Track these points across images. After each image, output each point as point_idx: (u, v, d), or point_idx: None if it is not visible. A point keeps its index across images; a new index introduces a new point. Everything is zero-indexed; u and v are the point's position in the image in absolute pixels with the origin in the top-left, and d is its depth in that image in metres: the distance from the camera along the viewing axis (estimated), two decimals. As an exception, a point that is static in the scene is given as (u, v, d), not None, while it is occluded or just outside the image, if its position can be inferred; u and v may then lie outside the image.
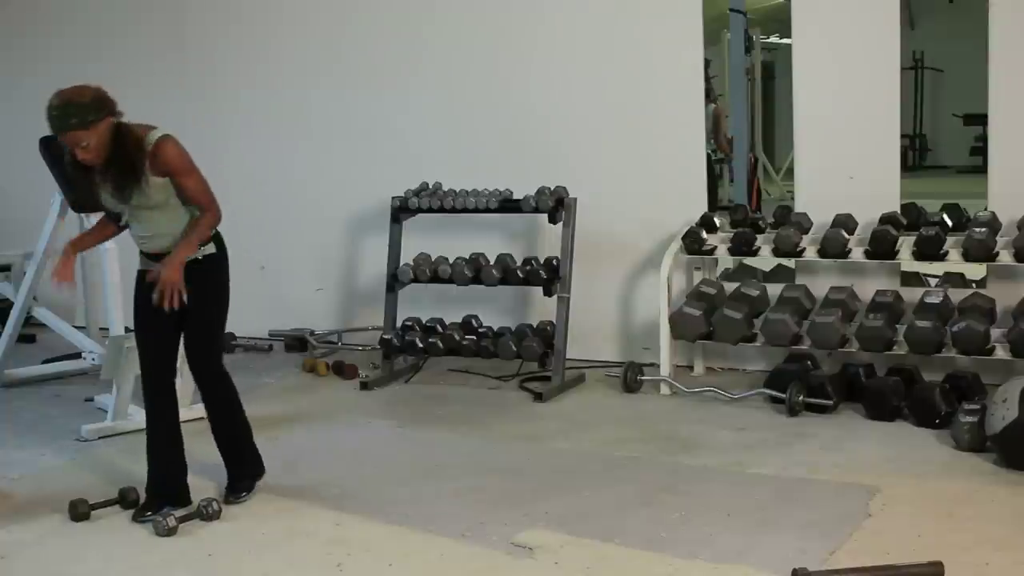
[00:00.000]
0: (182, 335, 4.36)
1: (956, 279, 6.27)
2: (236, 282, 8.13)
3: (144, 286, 4.28)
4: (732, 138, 10.25)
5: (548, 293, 6.24)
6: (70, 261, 4.38)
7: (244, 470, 4.54)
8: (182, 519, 4.21)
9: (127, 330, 5.79)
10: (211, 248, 4.34)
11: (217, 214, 4.31)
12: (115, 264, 5.91)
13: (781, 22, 7.85)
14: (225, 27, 7.74)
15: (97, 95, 4.09)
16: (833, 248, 5.80)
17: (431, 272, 6.42)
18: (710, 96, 8.26)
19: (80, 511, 4.32)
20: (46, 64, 8.31)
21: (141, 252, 4.36)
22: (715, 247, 6.18)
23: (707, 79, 6.76)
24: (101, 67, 8.10)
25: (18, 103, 8.46)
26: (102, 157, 4.06)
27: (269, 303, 7.60)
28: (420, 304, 6.73)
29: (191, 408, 5.71)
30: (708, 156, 6.87)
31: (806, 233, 6.02)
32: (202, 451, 4.61)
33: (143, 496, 4.39)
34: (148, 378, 4.39)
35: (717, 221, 6.30)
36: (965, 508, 4.17)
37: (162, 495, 4.37)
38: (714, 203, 6.89)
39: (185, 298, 4.18)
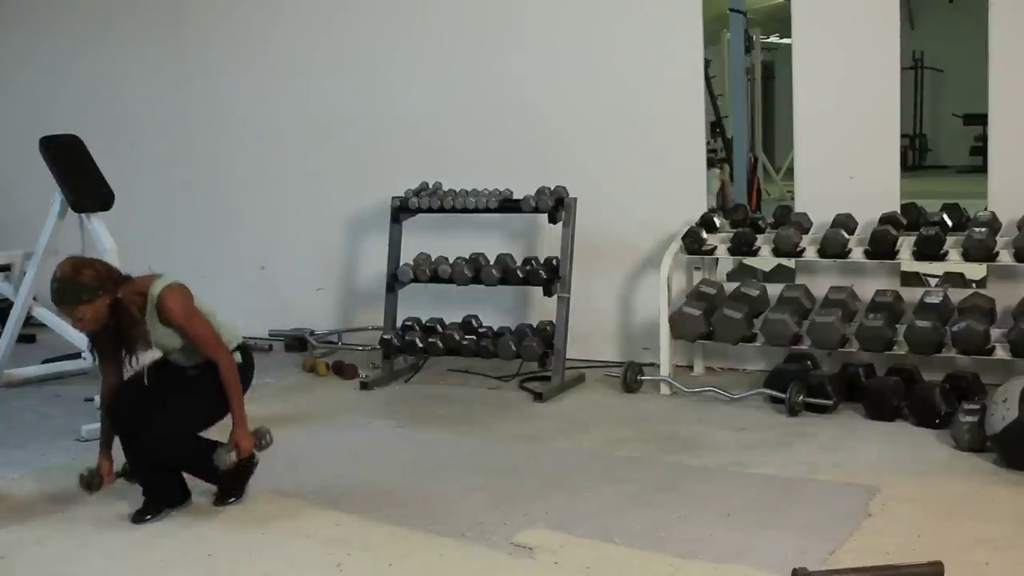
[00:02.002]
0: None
1: (956, 279, 6.27)
2: (236, 282, 8.16)
3: (149, 374, 4.38)
4: (732, 138, 10.24)
5: (548, 293, 6.24)
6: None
7: (224, 486, 4.51)
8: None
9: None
10: (238, 357, 4.40)
11: (228, 356, 4.32)
12: (115, 264, 5.88)
13: (781, 22, 7.84)
14: (224, 27, 7.74)
15: (96, 276, 4.16)
16: (833, 248, 5.80)
17: (431, 272, 6.42)
18: (713, 163, 8.23)
19: (92, 482, 4.36)
20: (46, 64, 8.32)
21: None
22: (715, 247, 6.18)
23: (707, 79, 6.75)
24: (100, 66, 8.14)
25: (18, 103, 8.48)
26: (99, 327, 4.18)
27: (269, 303, 7.61)
28: (420, 304, 6.73)
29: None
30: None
31: (806, 233, 6.02)
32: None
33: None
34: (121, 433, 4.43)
35: (717, 221, 6.30)
36: (965, 508, 4.17)
37: (162, 498, 4.38)
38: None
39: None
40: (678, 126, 6.46)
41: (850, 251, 5.83)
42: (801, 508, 4.23)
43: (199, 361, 4.33)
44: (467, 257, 6.40)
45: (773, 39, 11.83)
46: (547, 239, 6.60)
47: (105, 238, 5.95)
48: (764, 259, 6.20)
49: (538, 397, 5.99)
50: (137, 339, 4.22)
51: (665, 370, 6.03)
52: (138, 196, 7.38)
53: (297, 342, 7.31)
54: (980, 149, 6.40)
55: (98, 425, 5.47)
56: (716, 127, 10.19)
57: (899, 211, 5.94)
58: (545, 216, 6.31)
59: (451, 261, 6.40)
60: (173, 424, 4.27)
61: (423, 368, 6.63)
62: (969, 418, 4.82)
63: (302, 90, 7.48)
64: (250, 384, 4.50)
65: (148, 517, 4.30)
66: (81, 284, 4.10)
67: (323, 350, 7.18)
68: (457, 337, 6.32)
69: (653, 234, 6.49)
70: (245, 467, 4.43)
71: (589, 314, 6.54)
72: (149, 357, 4.38)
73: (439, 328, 6.45)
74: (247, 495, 4.50)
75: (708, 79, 7.77)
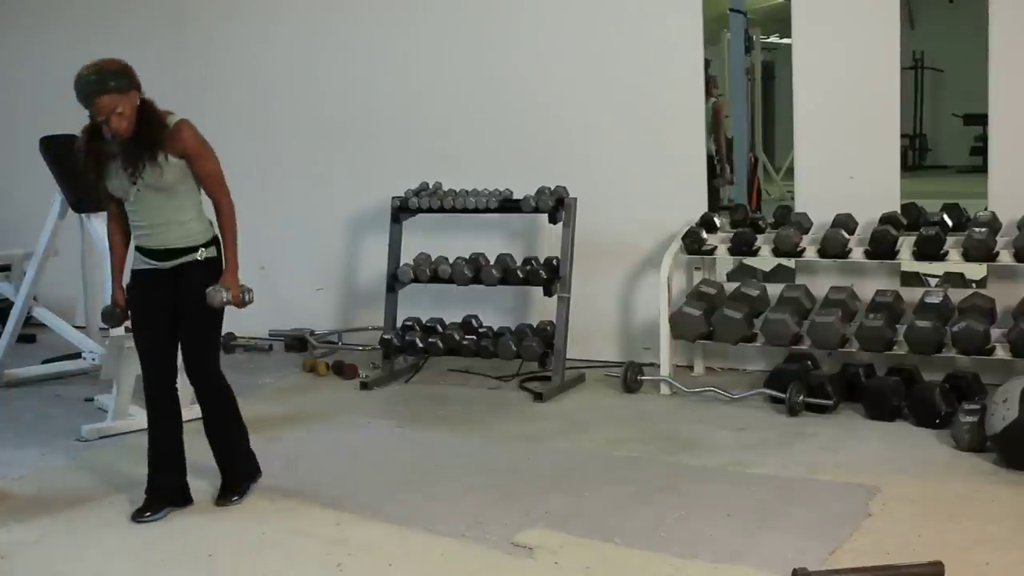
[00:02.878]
0: (181, 337, 4.35)
1: (956, 279, 6.27)
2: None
3: (142, 287, 4.31)
4: (732, 138, 10.23)
5: (548, 293, 6.24)
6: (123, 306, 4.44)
7: (237, 474, 4.53)
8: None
9: (127, 330, 5.80)
10: (212, 251, 4.33)
11: (231, 203, 4.34)
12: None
13: (781, 22, 7.82)
14: (224, 27, 7.74)
15: (127, 66, 4.15)
16: (833, 248, 5.80)
17: (431, 272, 6.42)
18: (709, 91, 8.22)
19: (114, 314, 4.46)
20: (46, 64, 8.31)
21: (138, 249, 4.33)
22: (715, 247, 6.18)
23: (707, 79, 6.75)
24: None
25: (18, 103, 8.47)
26: (131, 128, 4.08)
27: (269, 303, 7.58)
28: (420, 304, 6.73)
29: (191, 408, 5.72)
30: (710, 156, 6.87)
31: (806, 233, 6.02)
32: (202, 451, 4.60)
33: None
34: (149, 380, 4.38)
35: (717, 221, 6.30)
36: (965, 508, 4.17)
37: (163, 497, 4.37)
38: (715, 203, 6.85)
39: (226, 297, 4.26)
40: (678, 126, 6.46)
41: (850, 251, 5.83)
42: (801, 508, 4.23)
43: (166, 217, 4.21)
44: (467, 257, 6.40)
45: (773, 39, 11.82)
46: (547, 239, 6.60)
47: (105, 238, 5.94)
48: (764, 259, 6.20)
49: (538, 397, 5.99)
50: (156, 145, 4.11)
51: (665, 370, 6.03)
52: (138, 196, 7.36)
53: (297, 342, 7.31)
54: (980, 149, 6.39)
55: (98, 425, 5.51)
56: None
57: (899, 211, 5.94)
58: (545, 216, 6.31)
59: (451, 261, 6.40)
60: (203, 352, 4.36)
61: (423, 368, 6.63)
62: (969, 418, 4.82)
63: (302, 90, 7.48)
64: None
65: (148, 515, 4.30)
66: (117, 71, 4.08)
67: (323, 350, 7.18)
68: (457, 337, 6.32)
69: (653, 234, 6.49)
70: (233, 404, 4.49)
71: (589, 314, 6.54)
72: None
73: (439, 328, 6.45)
74: (248, 494, 4.50)
75: (708, 79, 7.76)
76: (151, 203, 4.21)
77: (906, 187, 6.10)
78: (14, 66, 8.49)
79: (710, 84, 7.83)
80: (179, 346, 4.37)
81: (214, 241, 4.35)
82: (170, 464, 4.41)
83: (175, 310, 4.29)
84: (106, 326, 4.67)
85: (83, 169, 4.26)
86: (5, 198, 8.37)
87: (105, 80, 4.05)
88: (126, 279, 4.45)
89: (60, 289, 7.18)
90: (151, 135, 4.13)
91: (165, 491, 4.39)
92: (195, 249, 4.29)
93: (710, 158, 6.98)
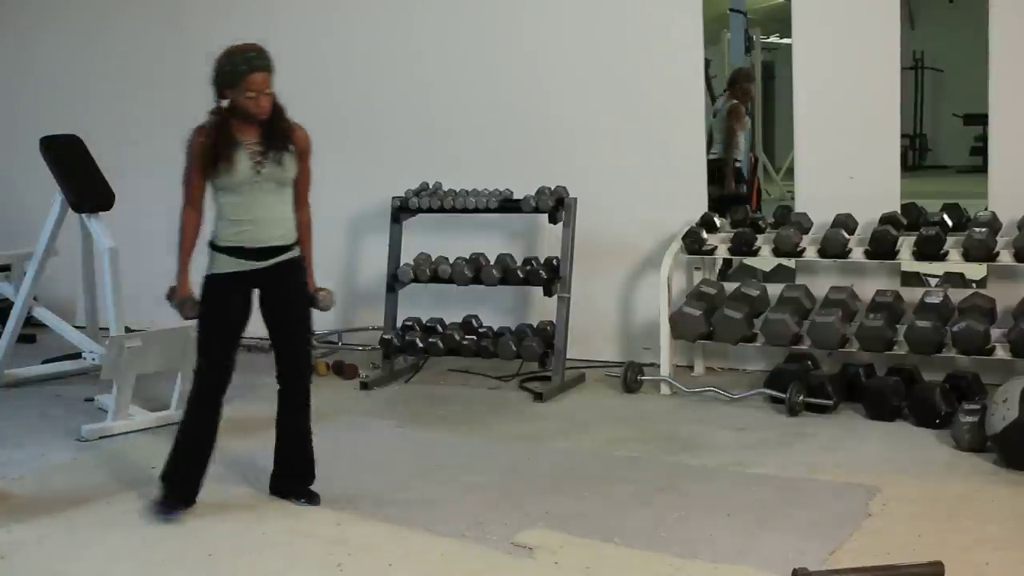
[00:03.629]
0: (280, 338, 4.42)
1: (956, 279, 6.27)
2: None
3: (225, 291, 4.26)
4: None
5: (548, 293, 6.24)
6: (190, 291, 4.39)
7: (313, 469, 4.53)
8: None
9: (127, 330, 5.81)
10: (298, 250, 4.41)
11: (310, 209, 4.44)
12: (115, 264, 5.90)
13: (781, 22, 7.83)
14: (223, 26, 7.70)
15: None
16: (833, 248, 5.81)
17: (431, 272, 6.42)
18: (734, 89, 8.17)
19: (185, 303, 4.38)
20: (46, 64, 8.32)
21: (226, 250, 4.25)
22: (715, 247, 6.18)
23: (707, 79, 6.76)
24: (101, 66, 8.14)
25: (18, 103, 8.48)
26: (269, 112, 4.14)
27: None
28: (420, 304, 6.72)
29: (191, 408, 5.73)
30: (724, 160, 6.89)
31: (806, 233, 6.03)
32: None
33: None
34: (212, 381, 4.32)
35: (717, 221, 6.30)
36: (965, 508, 4.17)
37: (182, 497, 4.34)
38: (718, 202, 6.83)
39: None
40: (678, 126, 6.46)
41: (850, 251, 5.83)
42: (801, 508, 4.23)
43: (274, 214, 4.28)
44: (467, 257, 6.40)
45: (773, 39, 11.82)
46: (547, 239, 6.60)
47: (105, 238, 5.95)
48: (764, 259, 6.20)
49: (538, 397, 5.99)
50: (288, 135, 4.20)
51: (665, 370, 6.03)
52: (138, 196, 7.37)
53: (297, 342, 7.30)
54: (980, 149, 6.40)
55: (98, 425, 5.51)
56: (716, 127, 10.16)
57: (899, 211, 5.94)
58: (545, 216, 6.31)
59: (451, 261, 6.40)
60: (310, 346, 4.57)
61: (423, 368, 6.63)
62: (969, 418, 4.82)
63: (301, 90, 7.44)
64: None
65: (167, 512, 4.27)
66: (269, 54, 4.15)
67: (323, 350, 7.18)
68: (457, 337, 6.32)
69: (653, 234, 6.49)
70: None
71: (589, 314, 6.54)
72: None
73: (439, 328, 6.45)
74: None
75: (708, 79, 7.76)
76: (263, 196, 4.22)
77: (906, 187, 6.10)
78: (14, 66, 8.49)
79: (739, 81, 7.79)
80: (277, 346, 4.44)
81: (299, 242, 4.42)
82: (202, 460, 4.38)
83: (263, 312, 4.32)
84: (185, 316, 4.44)
85: (217, 150, 4.18)
86: (5, 198, 8.37)
87: (265, 57, 4.12)
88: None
89: (60, 289, 7.18)
90: (283, 126, 4.22)
91: (188, 487, 4.35)
92: (291, 247, 4.34)
93: (720, 163, 6.99)
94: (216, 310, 4.29)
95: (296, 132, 4.29)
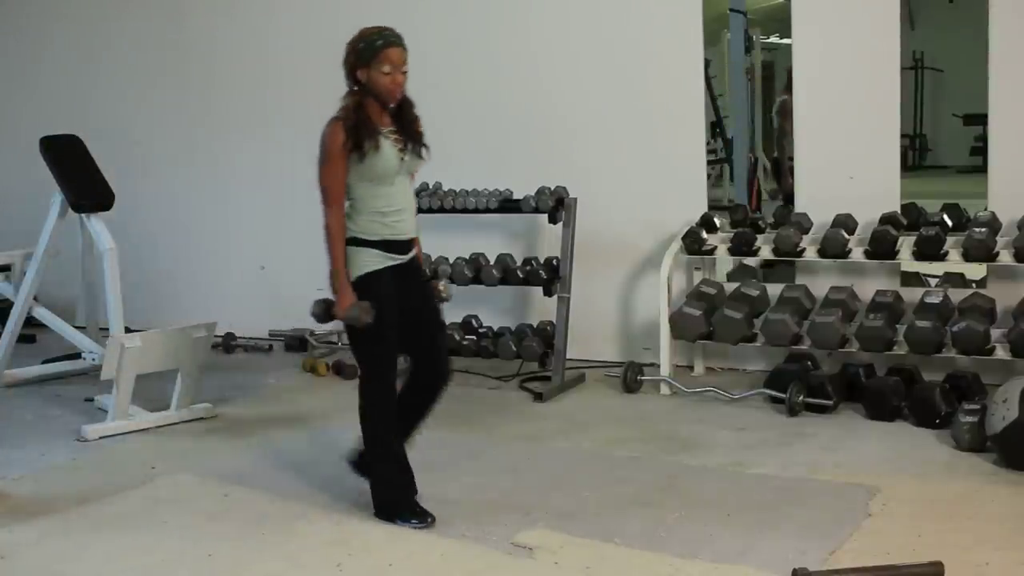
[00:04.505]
0: (423, 336, 4.22)
1: (956, 279, 6.27)
2: (236, 282, 8.16)
3: (385, 288, 4.05)
4: (732, 138, 10.24)
5: (548, 293, 6.24)
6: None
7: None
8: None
9: (127, 330, 5.81)
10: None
11: None
12: (115, 264, 5.90)
13: (781, 22, 7.83)
14: (224, 26, 7.74)
15: None
16: (833, 248, 5.81)
17: (431, 272, 6.42)
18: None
19: (364, 309, 4.05)
20: (46, 64, 8.32)
21: (376, 245, 4.07)
22: (715, 247, 6.18)
23: (707, 79, 6.76)
24: (101, 66, 8.14)
25: (18, 103, 8.48)
26: (402, 95, 4.08)
27: (269, 303, 7.61)
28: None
29: (191, 409, 5.74)
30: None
31: (806, 233, 6.03)
32: (212, 450, 4.61)
33: None
34: (393, 385, 4.15)
35: (717, 221, 6.30)
36: (965, 508, 4.17)
37: (409, 503, 4.22)
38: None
39: None
40: (678, 126, 6.46)
41: (850, 251, 5.83)
42: (801, 508, 4.23)
43: (411, 204, 4.17)
44: (467, 257, 6.40)
45: (773, 39, 11.82)
46: (547, 239, 6.60)
47: (105, 238, 5.95)
48: (764, 259, 6.20)
49: (538, 397, 5.99)
50: (418, 131, 4.13)
51: (665, 370, 6.03)
52: (138, 196, 7.38)
53: (297, 342, 7.31)
54: (980, 149, 6.39)
55: (98, 425, 5.51)
56: (716, 127, 10.16)
57: (899, 211, 5.94)
58: (545, 216, 6.31)
59: (451, 261, 6.40)
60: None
61: (423, 368, 6.61)
62: (969, 418, 4.82)
63: (301, 90, 7.48)
64: None
65: (429, 519, 4.15)
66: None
67: (323, 350, 7.17)
68: (457, 337, 6.32)
69: (653, 234, 6.49)
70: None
71: (589, 314, 6.54)
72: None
73: (439, 328, 6.44)
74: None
75: (708, 79, 7.76)
76: (404, 185, 4.13)
77: (906, 187, 6.10)
78: (15, 66, 8.49)
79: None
80: (419, 345, 4.22)
81: None
82: (405, 460, 4.28)
83: (401, 310, 4.12)
84: (362, 322, 4.02)
85: (359, 132, 4.01)
86: (5, 198, 8.37)
87: (400, 36, 4.08)
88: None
89: (60, 289, 7.18)
90: (414, 115, 4.15)
91: (410, 491, 4.24)
92: (417, 240, 4.25)
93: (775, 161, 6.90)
94: (384, 309, 4.03)
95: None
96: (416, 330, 4.19)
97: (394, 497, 4.21)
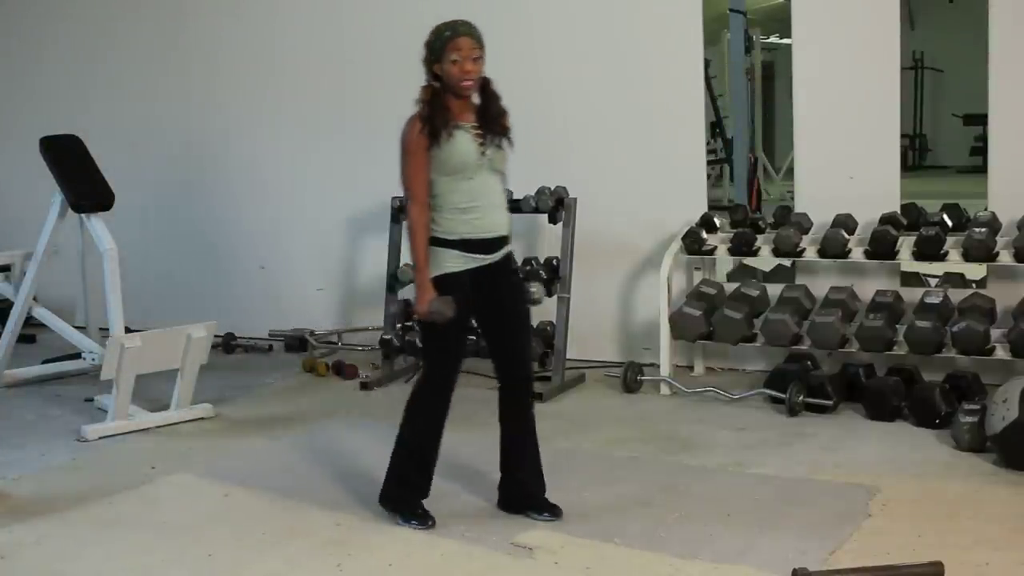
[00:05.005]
0: (507, 339, 4.15)
1: (956, 279, 6.27)
2: (236, 282, 8.15)
3: (460, 290, 3.97)
4: (732, 138, 10.24)
5: (548, 293, 6.24)
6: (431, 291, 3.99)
7: (543, 482, 4.25)
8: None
9: (127, 330, 5.81)
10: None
11: None
12: (115, 264, 5.90)
13: (781, 22, 7.83)
14: (225, 27, 7.74)
15: None
16: (833, 248, 5.80)
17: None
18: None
19: (446, 306, 3.96)
20: (46, 64, 8.32)
21: (457, 245, 3.98)
22: (715, 247, 6.18)
23: (707, 79, 6.75)
24: (101, 66, 8.14)
25: (18, 103, 8.48)
26: (478, 85, 4.00)
27: (269, 303, 7.61)
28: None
29: (191, 409, 5.74)
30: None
31: (806, 233, 6.02)
32: (212, 450, 4.61)
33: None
34: (451, 386, 4.14)
35: (717, 221, 6.30)
36: (965, 508, 4.18)
37: (413, 506, 4.18)
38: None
39: None
40: (678, 126, 6.46)
41: (850, 251, 5.83)
42: (801, 508, 4.23)
43: (497, 199, 4.10)
44: (467, 257, 6.39)
45: (773, 39, 11.82)
46: (547, 239, 6.60)
47: (105, 238, 5.95)
48: (764, 259, 6.20)
49: (538, 397, 5.96)
50: (504, 113, 4.06)
51: (665, 370, 6.03)
52: (138, 196, 7.38)
53: (297, 342, 7.31)
54: (980, 149, 6.39)
55: (98, 425, 5.51)
56: (716, 127, 10.15)
57: (899, 211, 5.94)
58: (545, 216, 6.31)
59: (451, 261, 6.39)
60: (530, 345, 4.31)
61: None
62: (969, 418, 4.82)
63: (301, 90, 7.48)
64: None
65: (430, 523, 4.12)
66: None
67: (323, 350, 7.18)
68: (457, 337, 6.31)
69: (653, 234, 6.49)
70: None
71: (589, 314, 6.53)
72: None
73: (439, 328, 6.44)
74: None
75: (708, 79, 7.76)
76: (486, 181, 4.03)
77: (906, 187, 6.10)
78: (15, 66, 8.48)
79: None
80: (503, 348, 4.17)
81: None
82: (429, 466, 4.22)
83: (484, 311, 4.09)
84: (442, 318, 3.95)
85: (435, 125, 3.96)
86: (5, 198, 8.37)
87: (472, 27, 4.02)
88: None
89: (60, 289, 7.18)
90: (499, 111, 4.07)
91: (418, 492, 4.18)
92: (510, 239, 4.14)
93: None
94: (463, 306, 3.97)
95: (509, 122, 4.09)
96: (499, 331, 4.16)
97: (402, 495, 4.20)
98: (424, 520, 4.14)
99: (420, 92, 4.05)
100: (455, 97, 4.01)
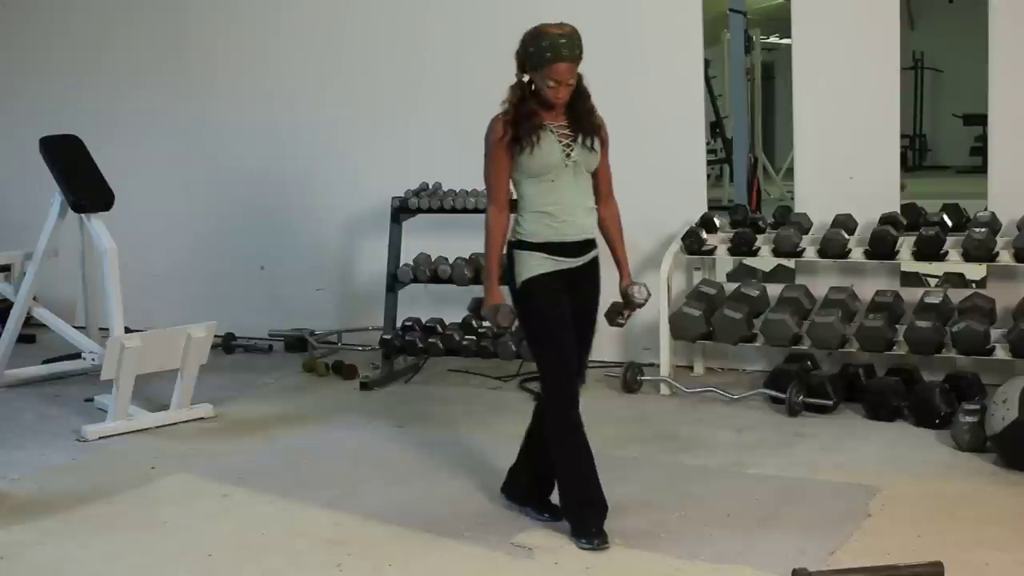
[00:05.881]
0: (578, 342, 4.00)
1: (956, 279, 6.27)
2: (236, 282, 8.14)
3: (552, 290, 3.89)
4: (732, 138, 10.25)
5: (548, 293, 6.23)
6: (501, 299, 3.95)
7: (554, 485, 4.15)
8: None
9: (127, 330, 5.81)
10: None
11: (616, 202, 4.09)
12: (115, 264, 5.90)
13: (781, 22, 7.85)
14: (225, 27, 7.74)
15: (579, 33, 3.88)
16: (833, 248, 5.81)
17: (431, 272, 6.41)
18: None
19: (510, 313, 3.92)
20: (45, 64, 8.32)
21: (539, 247, 3.90)
22: (715, 247, 6.18)
23: (707, 79, 6.76)
24: (101, 66, 8.14)
25: (18, 103, 8.47)
26: (568, 99, 3.88)
27: (269, 303, 7.61)
28: (420, 304, 6.72)
29: (191, 409, 5.74)
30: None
31: (806, 233, 6.03)
32: (212, 450, 4.61)
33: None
34: (574, 389, 3.97)
35: (717, 221, 6.30)
36: (965, 508, 4.18)
37: (603, 517, 3.98)
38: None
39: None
40: (678, 126, 6.46)
41: (850, 251, 5.83)
42: (801, 508, 4.23)
43: (584, 202, 3.94)
44: (467, 257, 6.40)
45: (773, 39, 11.84)
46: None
47: (105, 238, 5.95)
48: (764, 259, 6.20)
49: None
50: (595, 117, 3.94)
51: (665, 370, 6.03)
52: (138, 196, 7.37)
53: (297, 342, 7.31)
54: (980, 149, 6.40)
55: (98, 425, 5.51)
56: (716, 127, 10.17)
57: (899, 211, 5.94)
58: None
59: (451, 261, 6.40)
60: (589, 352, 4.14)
61: (423, 368, 6.62)
62: (969, 418, 4.82)
63: (302, 91, 7.48)
64: None
65: (605, 543, 3.90)
66: (581, 39, 3.87)
67: (323, 350, 7.18)
68: (457, 337, 6.32)
69: (653, 234, 6.48)
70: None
71: (589, 314, 6.52)
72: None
73: (439, 328, 6.44)
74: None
75: (708, 79, 7.76)
76: (572, 183, 3.91)
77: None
78: (16, 66, 8.48)
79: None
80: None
81: None
82: (598, 476, 4.02)
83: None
84: (500, 326, 3.94)
85: (519, 128, 3.87)
86: (5, 198, 8.37)
87: (575, 47, 3.83)
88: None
89: (60, 289, 7.18)
90: (588, 111, 3.94)
91: (602, 508, 3.97)
92: (595, 244, 4.01)
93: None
94: (548, 316, 3.88)
95: (599, 119, 4.00)
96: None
97: (583, 516, 3.96)
98: (592, 539, 3.89)
99: (508, 92, 3.97)
100: (543, 100, 3.91)
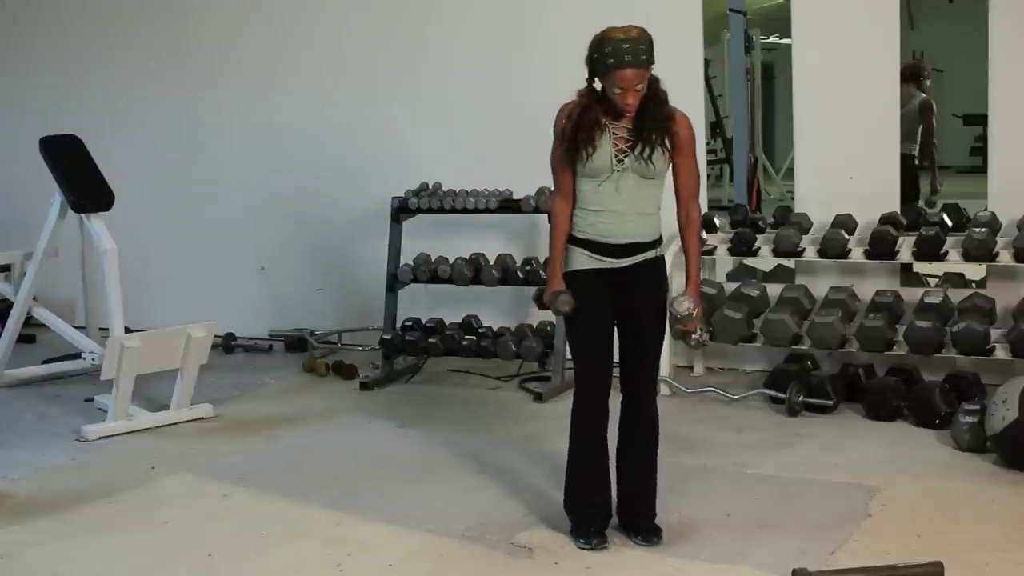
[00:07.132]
0: (628, 350, 3.97)
1: (956, 279, 6.27)
2: (236, 282, 8.15)
3: (589, 287, 3.87)
4: (732, 138, 10.26)
5: (548, 293, 6.23)
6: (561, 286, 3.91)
7: (653, 507, 4.05)
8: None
9: (127, 330, 5.81)
10: (661, 252, 3.96)
11: (699, 211, 4.00)
12: (115, 264, 5.90)
13: (781, 22, 7.85)
14: (225, 27, 7.74)
15: (652, 38, 3.84)
16: (833, 248, 5.81)
17: (431, 272, 6.42)
18: (918, 82, 7.60)
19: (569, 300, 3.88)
20: (45, 64, 8.32)
21: (582, 244, 3.89)
22: (715, 247, 6.18)
23: (707, 79, 6.76)
24: (101, 66, 8.14)
25: (18, 103, 8.47)
26: (637, 105, 3.79)
27: (269, 303, 7.61)
28: (420, 304, 6.72)
29: (191, 409, 5.73)
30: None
31: (806, 233, 6.03)
32: (212, 450, 4.61)
33: None
34: (600, 388, 3.94)
35: (717, 221, 6.30)
36: (965, 508, 4.18)
37: (605, 522, 3.99)
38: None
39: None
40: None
41: (850, 251, 5.83)
42: (801, 508, 4.23)
43: (641, 208, 3.84)
44: (467, 257, 6.40)
45: (773, 39, 11.83)
46: (547, 239, 6.57)
47: (105, 238, 5.95)
48: (764, 259, 6.20)
49: (538, 397, 5.99)
50: (663, 127, 3.81)
51: (665, 370, 6.02)
52: (138, 196, 7.37)
53: (297, 342, 7.31)
54: (980, 149, 6.40)
55: (98, 425, 5.51)
56: (716, 127, 10.16)
57: (899, 211, 5.94)
58: (545, 216, 6.29)
59: (451, 261, 6.40)
60: (658, 361, 4.09)
61: (423, 368, 6.62)
62: (969, 418, 4.82)
63: (302, 91, 7.48)
64: None
65: (604, 543, 3.91)
66: (651, 43, 3.79)
67: (323, 350, 7.17)
68: (457, 337, 6.32)
69: (653, 234, 6.48)
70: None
71: (589, 314, 6.52)
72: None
73: (439, 328, 6.45)
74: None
75: (708, 79, 7.76)
76: (625, 188, 3.83)
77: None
78: (16, 67, 8.48)
79: (920, 73, 7.60)
80: (622, 361, 4.01)
81: (660, 242, 3.96)
82: (608, 480, 4.04)
83: (619, 316, 3.92)
84: (559, 312, 3.92)
85: (577, 133, 3.84)
86: (5, 198, 8.37)
87: (641, 52, 3.77)
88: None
89: (60, 289, 7.18)
90: (657, 116, 3.84)
91: (605, 511, 3.99)
92: (653, 245, 3.91)
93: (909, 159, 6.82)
94: (586, 308, 3.86)
95: (678, 124, 3.86)
96: (625, 342, 4.00)
97: (580, 516, 4.00)
98: (591, 539, 3.91)
99: (577, 95, 3.95)
100: (612, 108, 3.85)
